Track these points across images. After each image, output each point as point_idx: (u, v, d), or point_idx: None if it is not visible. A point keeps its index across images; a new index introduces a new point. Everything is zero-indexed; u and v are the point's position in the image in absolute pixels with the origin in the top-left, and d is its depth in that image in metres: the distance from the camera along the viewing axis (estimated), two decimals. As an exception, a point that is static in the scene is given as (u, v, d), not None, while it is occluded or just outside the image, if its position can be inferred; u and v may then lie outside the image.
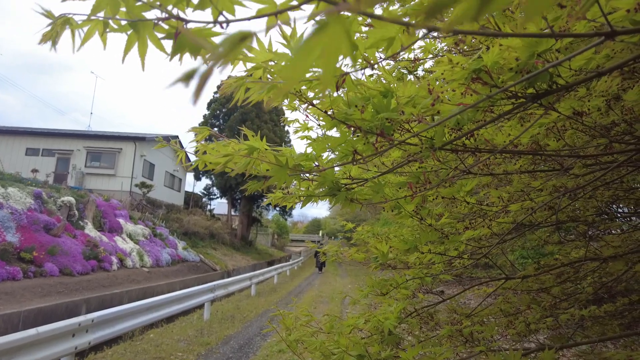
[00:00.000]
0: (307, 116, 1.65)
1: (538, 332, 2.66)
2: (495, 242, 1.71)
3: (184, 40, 0.51)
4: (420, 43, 2.07)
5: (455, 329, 1.91)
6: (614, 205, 3.79)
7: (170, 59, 0.53)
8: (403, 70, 2.22)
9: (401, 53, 2.23)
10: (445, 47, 1.85)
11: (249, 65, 0.85)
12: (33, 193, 13.16)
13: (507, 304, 2.49)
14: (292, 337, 1.66)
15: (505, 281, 2.54)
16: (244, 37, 0.32)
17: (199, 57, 0.53)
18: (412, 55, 1.79)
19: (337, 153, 0.98)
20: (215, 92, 33.10)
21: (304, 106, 1.63)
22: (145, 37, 0.57)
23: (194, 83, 0.32)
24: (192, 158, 1.24)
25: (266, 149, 0.93)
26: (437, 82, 0.97)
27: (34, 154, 23.29)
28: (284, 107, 1.76)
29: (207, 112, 32.60)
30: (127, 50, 0.58)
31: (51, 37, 0.57)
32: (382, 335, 1.65)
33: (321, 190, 1.06)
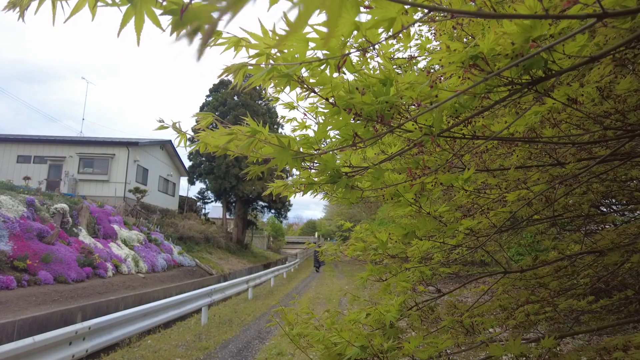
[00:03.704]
0: (305, 114, 1.66)
1: (537, 325, 2.68)
2: (493, 232, 1.73)
3: (186, 17, 0.51)
4: (416, 41, 2.09)
5: (456, 321, 1.92)
6: (607, 200, 3.83)
7: (170, 35, 0.53)
8: (398, 71, 2.24)
9: (397, 54, 2.25)
10: (439, 46, 1.86)
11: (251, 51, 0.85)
12: (25, 201, 13.01)
13: (506, 298, 2.51)
14: (294, 332, 1.66)
15: (504, 275, 2.55)
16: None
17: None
18: (407, 54, 1.81)
19: (338, 137, 0.99)
20: (208, 96, 33.04)
21: (302, 103, 1.64)
22: (142, 12, 0.56)
23: (197, 40, 0.32)
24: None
25: (271, 135, 0.94)
26: (437, 67, 0.99)
27: (26, 162, 23.06)
28: (282, 105, 1.76)
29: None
30: (122, 25, 0.58)
31: (21, 4, 0.56)
32: (384, 329, 1.65)
33: (322, 177, 1.07)
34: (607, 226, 3.92)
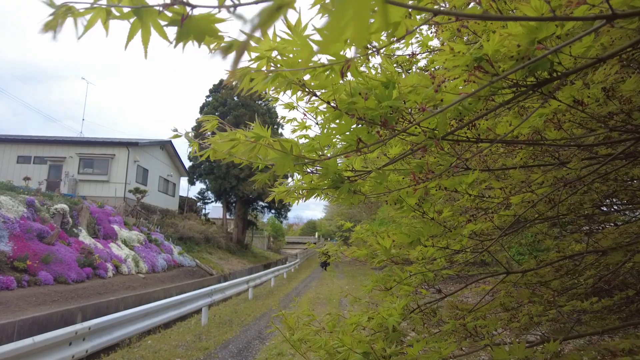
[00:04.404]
0: (305, 114, 1.64)
1: (539, 326, 2.67)
2: (497, 235, 1.71)
3: (190, 27, 0.50)
4: (417, 39, 2.07)
5: (459, 324, 1.90)
6: (608, 200, 3.81)
7: (175, 46, 0.52)
8: (399, 69, 2.22)
9: (397, 51, 2.23)
10: (443, 42, 1.85)
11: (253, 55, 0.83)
12: (25, 201, 13.00)
13: (508, 298, 2.49)
14: (295, 337, 1.64)
15: (507, 276, 2.54)
16: (280, 6, 0.32)
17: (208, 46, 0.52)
18: (409, 51, 1.79)
19: (342, 144, 0.97)
20: (208, 96, 33.03)
21: (302, 103, 1.62)
22: (149, 24, 0.56)
23: (231, 54, 0.31)
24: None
25: (273, 140, 0.92)
26: (438, 67, 0.97)
27: (26, 162, 23.04)
28: (282, 106, 1.75)
29: (199, 116, 32.59)
30: (130, 38, 0.57)
31: (53, 26, 0.56)
32: (386, 332, 1.64)
33: (324, 182, 1.05)
34: (607, 226, 3.90)
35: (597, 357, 2.22)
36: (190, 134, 1.12)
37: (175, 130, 1.09)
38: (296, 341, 1.63)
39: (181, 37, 0.51)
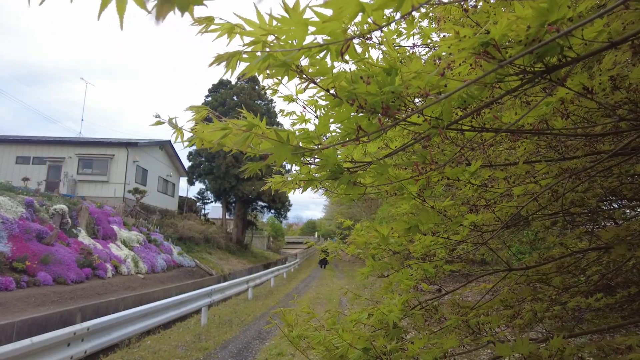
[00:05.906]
0: (304, 107, 1.61)
1: (541, 324, 2.64)
2: (499, 227, 1.68)
3: None
4: (418, 31, 2.04)
5: (461, 320, 1.87)
6: (611, 197, 3.79)
7: (157, 18, 0.48)
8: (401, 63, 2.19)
9: (400, 43, 2.19)
10: (446, 32, 1.81)
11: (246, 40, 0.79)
12: (24, 202, 12.96)
13: (510, 295, 2.46)
14: (294, 333, 1.61)
15: (508, 273, 2.51)
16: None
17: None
18: (410, 42, 1.76)
19: (340, 130, 0.93)
20: (207, 96, 32.96)
21: (301, 96, 1.58)
22: None
23: None
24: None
25: (269, 130, 0.88)
26: (443, 55, 0.93)
27: (25, 162, 22.99)
28: (280, 98, 1.71)
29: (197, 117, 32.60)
30: (103, 7, 0.52)
31: None
32: (387, 329, 1.60)
33: (323, 173, 1.02)
34: (608, 224, 3.87)
35: (601, 355, 2.19)
36: (174, 120, 1.07)
37: (158, 116, 1.03)
38: (295, 337, 1.59)
39: (162, 7, 0.47)
